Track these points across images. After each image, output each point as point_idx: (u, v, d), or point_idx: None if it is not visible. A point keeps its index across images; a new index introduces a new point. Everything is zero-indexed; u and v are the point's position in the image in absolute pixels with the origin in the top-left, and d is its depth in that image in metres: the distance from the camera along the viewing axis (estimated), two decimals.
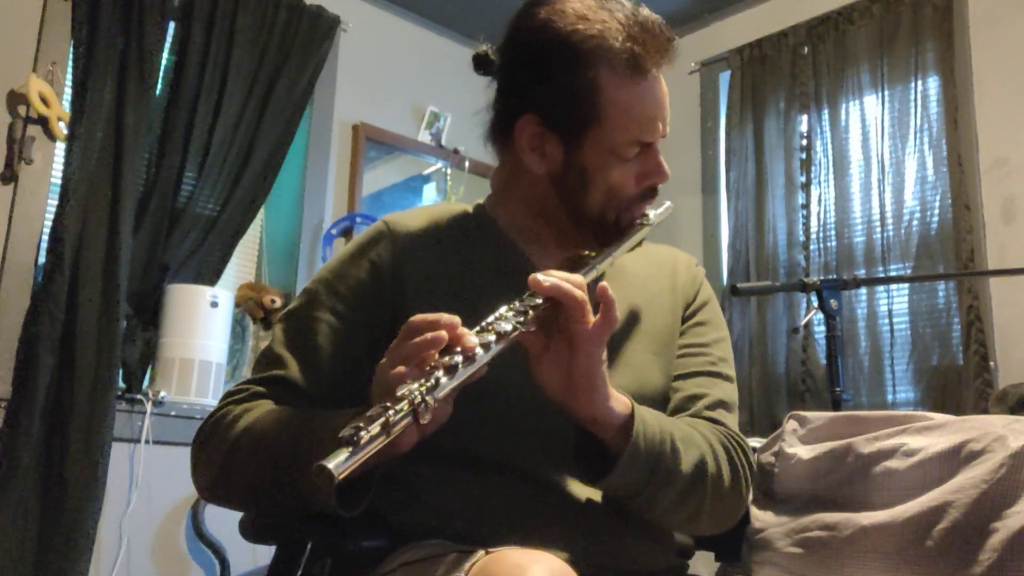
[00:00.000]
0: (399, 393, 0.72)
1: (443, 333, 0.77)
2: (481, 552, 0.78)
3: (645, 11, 1.01)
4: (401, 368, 0.76)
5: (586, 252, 1.06)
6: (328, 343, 0.99)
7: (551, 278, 0.84)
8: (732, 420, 1.04)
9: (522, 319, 0.82)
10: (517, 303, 0.84)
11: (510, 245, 1.07)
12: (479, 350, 0.77)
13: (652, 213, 1.05)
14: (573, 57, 0.97)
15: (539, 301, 0.84)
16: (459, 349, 0.76)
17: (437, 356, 0.76)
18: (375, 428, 0.68)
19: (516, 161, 1.05)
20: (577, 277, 0.87)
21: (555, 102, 0.99)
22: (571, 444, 0.93)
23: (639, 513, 0.95)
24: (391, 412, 0.70)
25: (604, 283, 0.86)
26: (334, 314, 1.01)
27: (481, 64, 1.08)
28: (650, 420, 0.91)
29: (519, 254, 1.06)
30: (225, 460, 0.92)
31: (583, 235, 1.04)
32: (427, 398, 0.72)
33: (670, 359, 1.06)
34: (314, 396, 0.97)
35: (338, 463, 0.66)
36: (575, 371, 0.85)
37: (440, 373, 0.74)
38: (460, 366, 0.75)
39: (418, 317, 0.79)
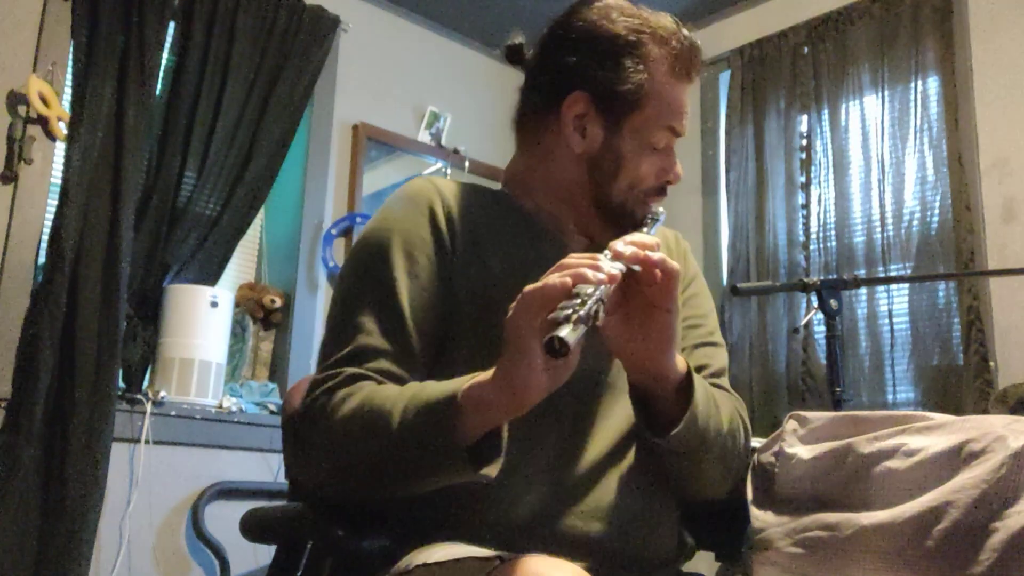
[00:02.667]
0: (578, 291, 0.76)
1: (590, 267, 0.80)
2: (497, 561, 0.78)
3: (683, 26, 1.09)
4: (567, 280, 0.78)
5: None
6: (406, 299, 0.98)
7: (631, 247, 0.88)
8: (728, 383, 1.12)
9: (623, 266, 0.85)
10: (606, 253, 0.87)
11: (539, 227, 1.10)
12: (603, 276, 0.80)
13: (660, 209, 1.11)
14: (632, 45, 1.04)
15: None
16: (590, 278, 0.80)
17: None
18: (583, 310, 0.73)
19: (550, 142, 1.09)
20: (649, 238, 0.91)
21: (608, 83, 1.04)
22: (575, 438, 0.97)
23: (683, 475, 1.00)
24: (589, 301, 0.74)
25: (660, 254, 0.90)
26: (408, 274, 1.00)
27: (514, 54, 1.14)
28: (698, 380, 0.96)
29: (550, 234, 1.09)
30: (339, 449, 0.91)
31: (602, 223, 1.09)
32: (602, 295, 0.77)
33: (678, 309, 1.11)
34: (399, 355, 0.96)
35: (568, 334, 0.70)
36: (654, 326, 0.89)
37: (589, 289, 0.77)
38: (602, 286, 0.79)
39: (556, 275, 0.81)
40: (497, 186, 1.17)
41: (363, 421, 0.88)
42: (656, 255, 0.88)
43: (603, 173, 1.06)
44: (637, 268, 0.86)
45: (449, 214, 1.05)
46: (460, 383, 0.84)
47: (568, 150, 1.07)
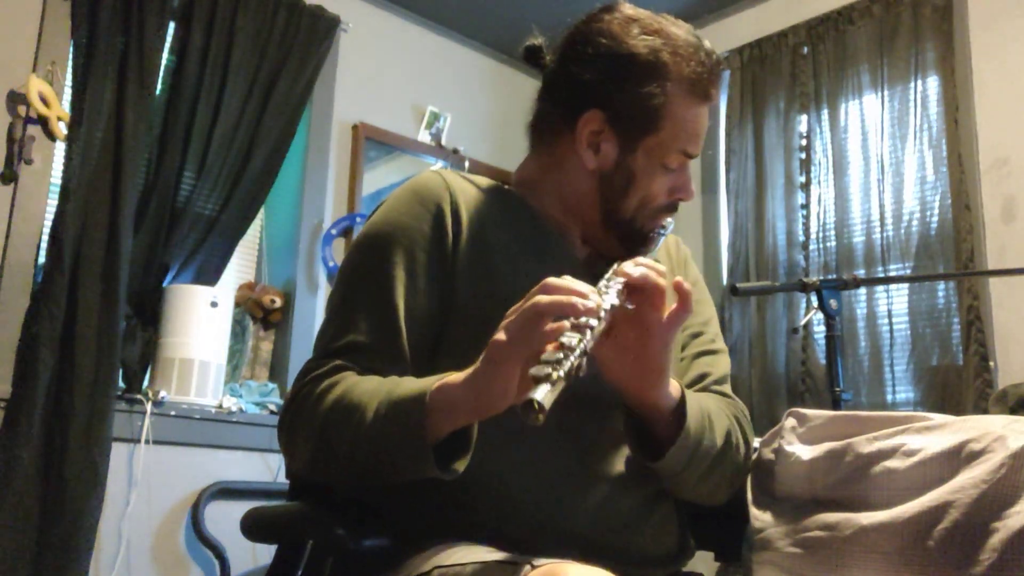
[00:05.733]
0: (564, 343, 0.74)
1: (577, 302, 0.78)
2: (528, 567, 0.78)
3: (704, 40, 1.07)
4: (564, 324, 0.77)
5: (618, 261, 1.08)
6: (401, 301, 0.98)
7: (641, 268, 0.88)
8: (730, 389, 1.12)
9: (616, 300, 0.84)
10: (602, 284, 0.86)
11: (546, 231, 1.09)
12: (593, 322, 0.79)
13: (669, 220, 1.11)
14: (651, 67, 1.03)
15: (619, 287, 0.86)
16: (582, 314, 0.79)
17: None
18: (564, 368, 0.72)
19: (563, 152, 1.08)
20: (660, 266, 0.90)
21: (625, 104, 1.03)
22: (582, 442, 0.97)
23: (674, 487, 1.01)
24: (572, 356, 0.73)
25: (679, 278, 0.90)
26: (406, 272, 1.00)
27: (532, 55, 1.12)
28: (691, 401, 0.96)
29: (557, 238, 1.09)
30: (319, 437, 0.92)
31: (608, 236, 1.08)
32: (587, 347, 0.75)
33: (675, 339, 1.09)
34: (388, 355, 0.97)
35: (544, 396, 0.69)
36: (648, 358, 0.89)
37: (576, 336, 0.76)
38: (590, 330, 0.78)
39: (545, 298, 0.79)
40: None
41: (341, 412, 0.90)
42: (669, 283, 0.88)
43: (614, 190, 1.06)
44: (631, 306, 0.86)
45: (456, 212, 1.03)
46: (430, 383, 0.85)
47: (580, 164, 1.06)
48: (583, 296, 0.79)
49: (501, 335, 0.79)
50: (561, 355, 0.73)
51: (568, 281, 0.81)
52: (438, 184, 1.06)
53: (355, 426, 0.88)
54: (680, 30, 1.06)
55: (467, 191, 1.07)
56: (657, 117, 1.03)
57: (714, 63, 1.06)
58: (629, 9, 1.08)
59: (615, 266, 0.92)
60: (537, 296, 0.79)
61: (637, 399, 0.94)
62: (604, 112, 1.04)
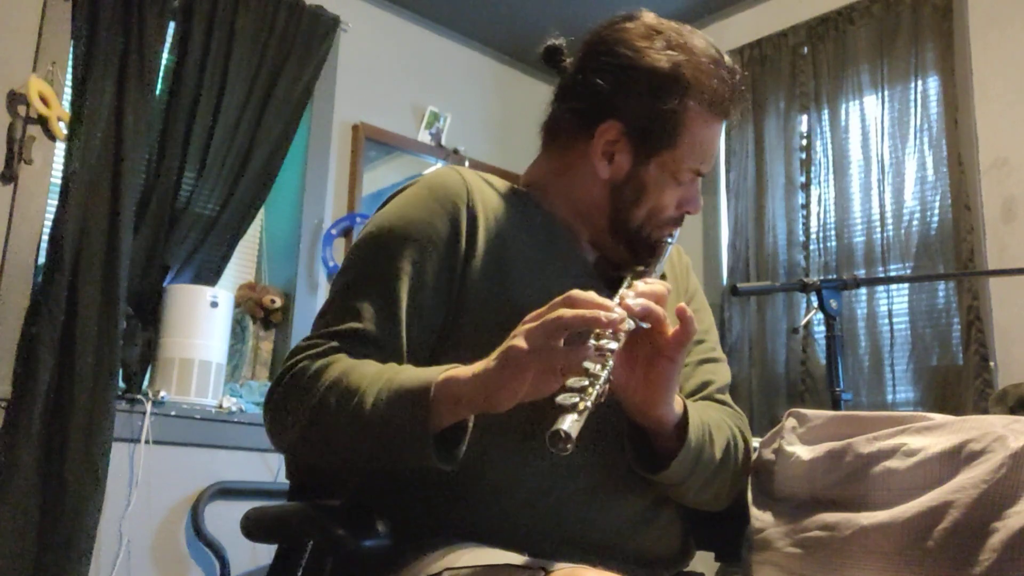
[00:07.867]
0: (589, 369, 0.76)
1: (600, 315, 0.79)
2: (541, 572, 0.78)
3: (725, 55, 1.07)
4: (588, 345, 0.78)
5: (638, 268, 1.09)
6: (405, 294, 0.98)
7: (641, 300, 0.88)
8: (730, 397, 1.14)
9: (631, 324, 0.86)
10: (618, 299, 0.88)
11: (557, 232, 1.09)
12: (613, 345, 0.80)
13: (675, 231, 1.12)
14: (672, 82, 1.02)
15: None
16: (609, 333, 0.81)
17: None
18: (590, 398, 0.73)
19: (576, 158, 1.08)
20: (660, 287, 0.92)
21: (643, 118, 1.03)
22: (587, 443, 0.97)
23: (674, 495, 1.02)
24: (598, 384, 0.75)
25: (682, 304, 0.92)
26: (415, 268, 0.99)
27: (551, 56, 1.12)
28: (693, 414, 0.96)
29: (568, 241, 1.09)
30: (312, 417, 0.90)
31: (616, 244, 1.09)
32: (610, 373, 0.77)
33: (684, 357, 1.11)
34: (386, 346, 0.96)
35: (571, 425, 0.71)
36: (656, 374, 0.90)
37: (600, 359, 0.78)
38: (611, 355, 0.80)
39: (569, 311, 0.80)
40: None
41: (338, 394, 0.88)
42: (659, 308, 0.88)
43: (624, 199, 1.06)
44: (645, 325, 0.87)
45: (473, 212, 1.02)
46: (435, 374, 0.84)
47: (592, 171, 1.06)
48: (607, 309, 0.80)
49: (520, 342, 0.78)
50: (587, 382, 0.73)
51: (593, 296, 0.81)
52: (457, 182, 1.04)
53: (353, 410, 0.86)
54: (702, 43, 1.05)
55: (485, 191, 1.06)
56: (675, 133, 1.03)
57: (736, 81, 1.05)
58: (651, 18, 1.07)
59: (628, 280, 0.93)
60: (561, 309, 0.79)
61: (641, 413, 0.94)
62: (621, 124, 1.04)
